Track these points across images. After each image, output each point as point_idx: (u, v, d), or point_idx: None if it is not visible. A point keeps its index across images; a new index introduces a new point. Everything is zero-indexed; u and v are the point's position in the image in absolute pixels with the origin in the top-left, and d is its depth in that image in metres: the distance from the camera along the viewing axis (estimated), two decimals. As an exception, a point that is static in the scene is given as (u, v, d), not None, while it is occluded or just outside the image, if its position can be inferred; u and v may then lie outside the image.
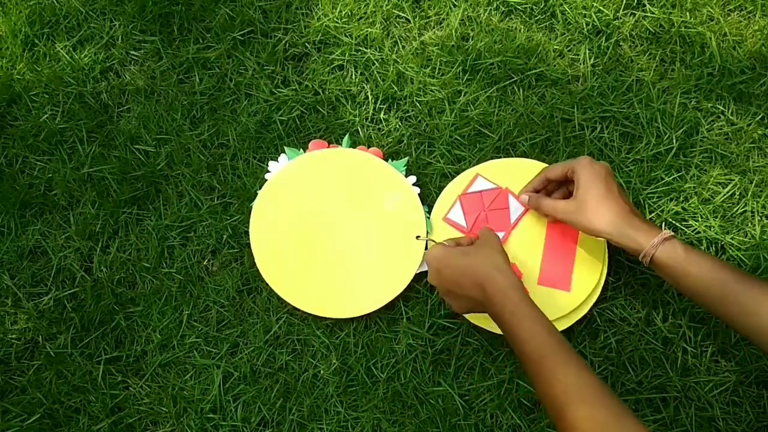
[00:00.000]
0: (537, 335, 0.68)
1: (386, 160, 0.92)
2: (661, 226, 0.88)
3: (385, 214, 0.89)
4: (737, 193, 0.89)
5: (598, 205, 0.75)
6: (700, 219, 0.88)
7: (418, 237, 0.87)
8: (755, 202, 0.89)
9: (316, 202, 0.90)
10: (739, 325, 0.68)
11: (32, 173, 0.97)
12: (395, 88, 0.97)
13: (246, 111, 0.97)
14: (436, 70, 0.98)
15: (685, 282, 0.71)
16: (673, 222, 0.88)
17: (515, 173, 0.90)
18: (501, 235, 0.87)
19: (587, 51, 0.97)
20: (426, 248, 0.87)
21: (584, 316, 0.85)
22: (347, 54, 0.99)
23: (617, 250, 0.88)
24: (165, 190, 0.94)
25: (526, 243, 0.87)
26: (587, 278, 0.84)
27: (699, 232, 0.87)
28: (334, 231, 0.89)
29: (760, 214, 0.88)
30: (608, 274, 0.86)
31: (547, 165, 0.88)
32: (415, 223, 0.88)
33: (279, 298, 0.87)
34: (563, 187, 0.85)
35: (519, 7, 1.00)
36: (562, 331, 0.83)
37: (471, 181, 0.90)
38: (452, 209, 0.89)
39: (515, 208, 0.88)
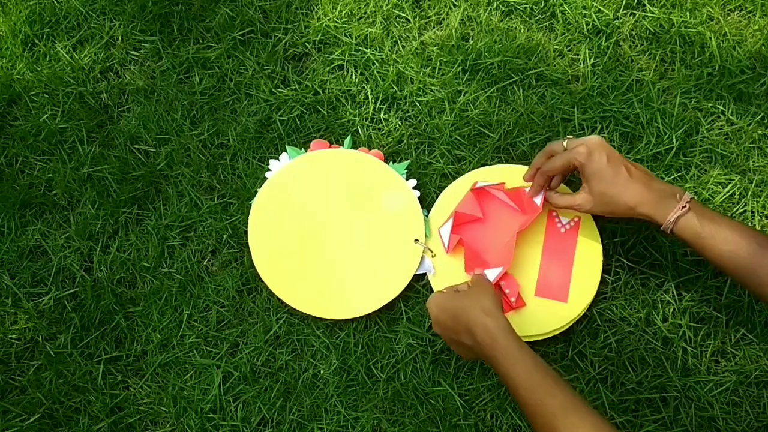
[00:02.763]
0: (530, 378, 0.67)
1: (387, 163, 0.92)
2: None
3: (384, 216, 0.89)
4: (737, 193, 0.89)
5: (613, 194, 0.74)
6: (700, 219, 0.88)
7: (416, 240, 0.87)
8: (755, 202, 0.89)
9: (315, 202, 0.90)
10: (759, 296, 0.69)
11: (32, 173, 0.97)
12: (395, 88, 0.97)
13: (246, 111, 0.97)
14: (436, 70, 0.98)
15: (704, 254, 0.72)
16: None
17: (512, 181, 0.89)
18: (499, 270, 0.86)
19: (587, 51, 0.97)
20: (424, 251, 0.87)
21: (584, 316, 0.85)
22: (347, 54, 0.99)
23: (618, 249, 0.88)
24: (165, 190, 0.94)
25: (525, 253, 0.87)
26: (585, 289, 0.84)
27: (699, 232, 0.87)
28: (333, 231, 0.89)
29: (760, 214, 0.88)
30: (608, 273, 0.86)
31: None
32: (414, 227, 0.88)
33: (279, 298, 0.87)
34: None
35: (519, 7, 1.00)
36: (557, 336, 0.83)
37: (465, 195, 0.89)
38: (446, 224, 0.88)
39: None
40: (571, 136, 0.79)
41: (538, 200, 0.84)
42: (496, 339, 0.69)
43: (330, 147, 0.93)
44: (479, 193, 0.88)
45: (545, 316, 0.83)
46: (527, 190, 0.85)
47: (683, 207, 0.72)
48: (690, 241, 0.72)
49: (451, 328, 0.74)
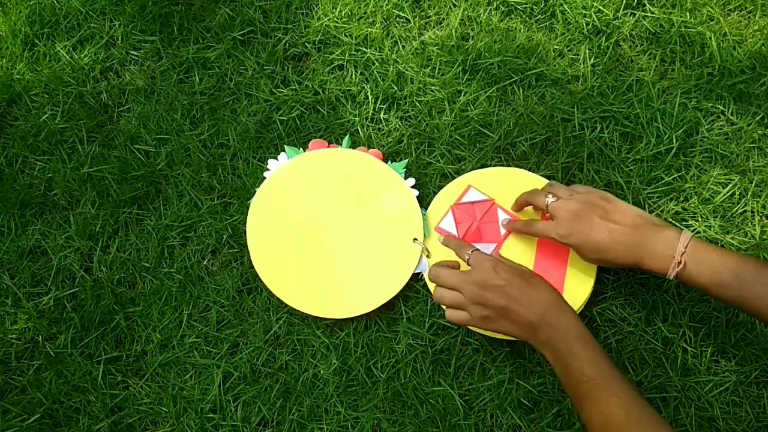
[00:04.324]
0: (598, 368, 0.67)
1: (386, 162, 0.92)
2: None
3: (382, 215, 0.89)
4: (737, 193, 0.89)
5: (603, 257, 0.74)
6: (700, 219, 0.88)
7: (415, 240, 0.87)
8: (755, 202, 0.89)
9: (314, 202, 0.90)
10: None
11: (32, 173, 0.97)
12: (395, 88, 0.97)
13: (246, 111, 0.97)
14: (436, 70, 0.98)
15: (710, 295, 0.71)
16: (674, 222, 0.88)
17: (506, 184, 0.89)
18: (492, 246, 0.87)
19: (587, 51, 0.97)
20: (422, 253, 0.87)
21: (585, 316, 0.85)
22: (347, 54, 0.99)
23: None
24: (165, 190, 0.94)
25: (517, 256, 0.87)
26: (578, 292, 0.84)
27: (699, 232, 0.87)
28: (332, 231, 0.89)
29: (760, 214, 0.88)
30: (608, 273, 0.86)
31: (545, 179, 0.88)
32: (413, 226, 0.88)
33: (278, 298, 0.87)
34: None
35: (519, 7, 1.00)
36: None
37: (463, 192, 0.90)
38: (444, 219, 0.89)
39: (505, 221, 0.88)
40: (553, 183, 0.82)
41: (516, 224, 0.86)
42: (572, 344, 0.69)
43: (329, 147, 0.93)
44: (459, 209, 0.89)
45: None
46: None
47: (678, 263, 0.70)
48: (693, 287, 0.72)
49: (503, 307, 0.72)
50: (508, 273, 0.74)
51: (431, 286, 0.86)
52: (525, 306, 0.71)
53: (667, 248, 0.70)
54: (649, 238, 0.71)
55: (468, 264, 0.78)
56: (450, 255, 0.87)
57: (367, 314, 0.86)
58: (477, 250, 0.78)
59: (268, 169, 0.93)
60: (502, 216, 0.88)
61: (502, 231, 0.87)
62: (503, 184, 0.90)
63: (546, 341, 0.70)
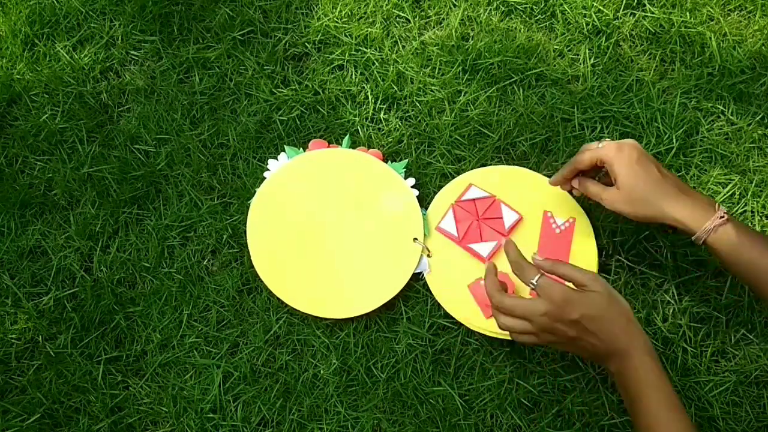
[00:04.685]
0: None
1: (386, 162, 0.92)
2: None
3: (383, 215, 0.89)
4: (737, 193, 0.89)
5: (641, 191, 0.72)
6: (700, 219, 0.88)
7: (415, 239, 0.87)
8: (755, 202, 0.89)
9: (314, 202, 0.90)
10: None
11: (32, 173, 0.97)
12: (395, 88, 0.97)
13: (246, 111, 0.97)
14: (436, 70, 0.98)
15: (736, 267, 0.71)
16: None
17: (508, 182, 0.90)
18: (493, 245, 0.87)
19: (587, 51, 0.97)
20: (422, 253, 0.87)
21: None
22: (347, 54, 0.99)
23: (618, 249, 0.88)
24: (165, 190, 0.94)
25: None
26: None
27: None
28: (332, 231, 0.89)
29: (760, 214, 0.88)
30: (608, 273, 0.86)
31: (546, 177, 0.87)
32: (413, 225, 0.88)
33: (279, 298, 0.87)
34: (597, 174, 0.81)
35: (519, 7, 1.00)
36: None
37: (465, 190, 0.90)
38: (445, 218, 0.89)
39: (508, 217, 0.88)
40: (608, 138, 0.78)
41: (555, 180, 0.82)
42: (648, 374, 0.67)
43: (329, 147, 0.93)
44: (460, 207, 0.89)
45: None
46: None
47: (721, 217, 0.70)
48: (725, 252, 0.70)
49: (587, 330, 0.68)
50: (581, 306, 0.68)
51: (431, 285, 0.86)
52: (596, 338, 0.68)
53: (708, 204, 0.72)
54: (691, 190, 0.73)
55: (534, 291, 0.71)
56: (450, 254, 0.87)
57: (367, 314, 0.86)
58: (543, 275, 0.71)
59: (268, 169, 0.93)
60: (506, 211, 0.88)
61: (506, 228, 0.87)
62: (505, 182, 0.90)
63: (615, 372, 0.69)
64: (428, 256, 0.87)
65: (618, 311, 0.69)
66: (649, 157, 0.74)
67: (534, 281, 0.70)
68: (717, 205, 0.72)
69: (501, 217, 0.88)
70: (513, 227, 0.87)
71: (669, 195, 0.72)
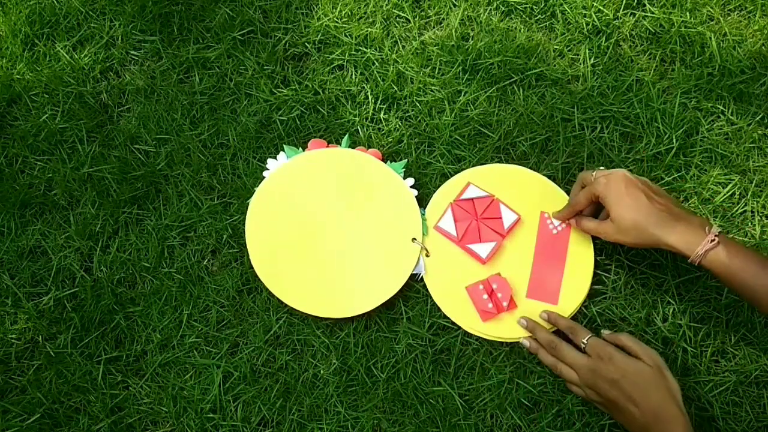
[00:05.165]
0: None
1: (385, 162, 0.92)
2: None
3: (382, 215, 0.89)
4: (737, 193, 0.89)
5: (633, 223, 0.74)
6: (700, 219, 0.88)
7: (414, 240, 0.87)
8: (755, 202, 0.89)
9: (313, 202, 0.90)
10: None
11: (32, 173, 0.97)
12: (395, 88, 0.97)
13: (246, 111, 0.97)
14: (436, 70, 0.98)
15: (731, 287, 0.72)
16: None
17: (506, 181, 0.90)
18: (493, 245, 0.86)
19: (587, 51, 0.97)
20: (421, 252, 0.87)
21: (585, 316, 0.85)
22: (347, 54, 0.99)
23: (618, 249, 0.88)
24: (165, 190, 0.94)
25: (517, 254, 0.87)
26: (575, 292, 0.84)
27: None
28: (331, 231, 0.89)
29: (760, 214, 0.88)
30: (608, 273, 0.86)
31: (544, 177, 0.89)
32: (411, 225, 0.88)
33: (278, 298, 0.87)
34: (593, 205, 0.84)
35: (519, 7, 1.00)
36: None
37: (463, 189, 0.89)
38: (443, 217, 0.89)
39: (507, 217, 0.88)
40: (602, 168, 0.81)
41: (563, 219, 0.87)
42: None
43: (328, 146, 0.93)
44: (458, 206, 0.89)
45: (536, 318, 0.83)
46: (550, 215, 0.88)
47: (712, 240, 0.72)
48: (719, 275, 0.72)
49: (630, 399, 0.72)
50: (624, 369, 0.73)
51: (429, 285, 0.86)
52: (634, 406, 0.71)
53: (700, 226, 0.73)
54: (683, 211, 0.76)
55: (584, 350, 0.78)
56: (448, 254, 0.87)
57: (367, 314, 0.86)
58: (593, 336, 0.78)
59: (267, 169, 0.93)
60: (505, 211, 0.88)
61: (504, 228, 0.87)
62: (503, 181, 0.90)
63: None
64: (426, 255, 0.87)
65: (664, 386, 0.71)
66: (638, 185, 0.76)
67: (585, 340, 0.78)
68: (708, 227, 0.73)
69: (500, 217, 0.87)
70: (512, 227, 0.87)
71: (660, 222, 0.74)
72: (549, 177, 0.90)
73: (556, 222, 0.87)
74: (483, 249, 0.86)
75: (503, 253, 0.87)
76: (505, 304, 0.83)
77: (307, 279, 0.87)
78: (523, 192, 0.89)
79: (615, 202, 0.76)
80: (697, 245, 0.72)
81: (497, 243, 0.86)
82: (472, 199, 0.89)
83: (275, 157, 0.93)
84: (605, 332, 0.80)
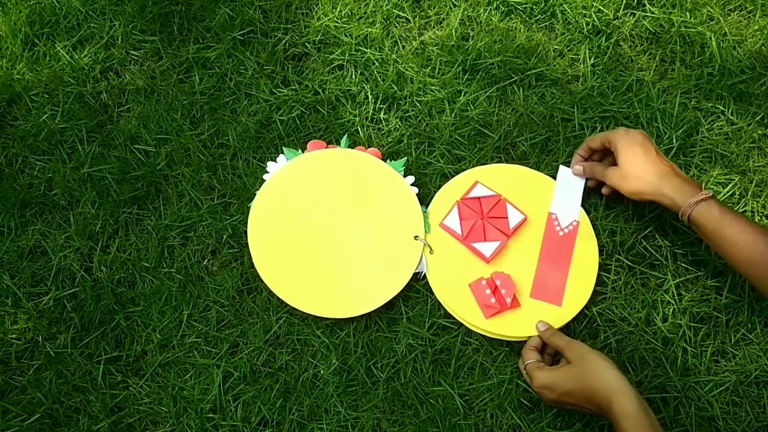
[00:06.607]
0: None
1: (385, 161, 0.92)
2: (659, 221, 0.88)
3: (383, 214, 0.89)
4: (737, 193, 0.89)
5: (638, 169, 0.79)
6: (700, 219, 0.88)
7: (416, 237, 0.87)
8: (755, 202, 0.89)
9: (314, 203, 0.90)
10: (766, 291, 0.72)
11: (32, 173, 0.97)
12: (395, 88, 0.97)
13: (246, 111, 0.97)
14: (436, 70, 0.98)
15: (719, 243, 0.75)
16: (674, 222, 0.88)
17: (513, 181, 0.89)
18: (497, 244, 0.86)
19: (587, 51, 0.97)
20: (424, 249, 0.87)
21: (585, 315, 0.85)
22: (347, 54, 0.99)
23: (618, 249, 0.88)
24: (165, 190, 0.94)
25: (522, 254, 0.87)
26: (579, 294, 0.84)
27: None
28: (332, 231, 0.89)
29: (760, 214, 0.88)
30: (608, 273, 0.86)
31: (551, 178, 0.90)
32: (413, 224, 0.88)
33: (279, 298, 0.87)
34: (608, 157, 0.87)
35: (519, 7, 1.00)
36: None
37: (470, 188, 0.89)
38: (449, 215, 0.89)
39: (513, 217, 0.87)
40: (623, 128, 0.85)
41: (579, 168, 0.88)
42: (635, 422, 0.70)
43: (327, 147, 0.93)
44: (465, 204, 0.88)
45: (539, 319, 0.83)
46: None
47: (705, 197, 0.75)
48: (707, 228, 0.75)
49: (571, 403, 0.75)
50: (556, 387, 0.75)
51: (432, 283, 0.86)
52: (584, 406, 0.74)
53: (696, 186, 0.78)
54: (683, 174, 0.80)
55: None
56: (452, 252, 0.87)
57: (367, 314, 0.86)
58: (528, 364, 0.79)
59: (267, 172, 0.93)
60: (511, 211, 0.88)
61: (510, 228, 0.87)
62: (511, 182, 0.89)
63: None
64: (430, 252, 0.87)
65: (591, 377, 0.73)
66: (653, 144, 0.81)
67: (523, 368, 0.80)
68: (704, 185, 0.79)
69: (506, 217, 0.87)
70: (517, 228, 0.87)
71: (662, 173, 0.78)
72: (553, 178, 0.90)
73: (563, 224, 0.87)
74: (487, 248, 0.86)
75: (508, 253, 0.87)
76: (508, 300, 0.82)
77: (309, 279, 0.87)
78: (531, 193, 0.89)
79: (625, 150, 0.80)
80: (691, 197, 0.76)
81: (502, 242, 0.86)
82: (478, 197, 0.88)
83: (275, 160, 0.93)
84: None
